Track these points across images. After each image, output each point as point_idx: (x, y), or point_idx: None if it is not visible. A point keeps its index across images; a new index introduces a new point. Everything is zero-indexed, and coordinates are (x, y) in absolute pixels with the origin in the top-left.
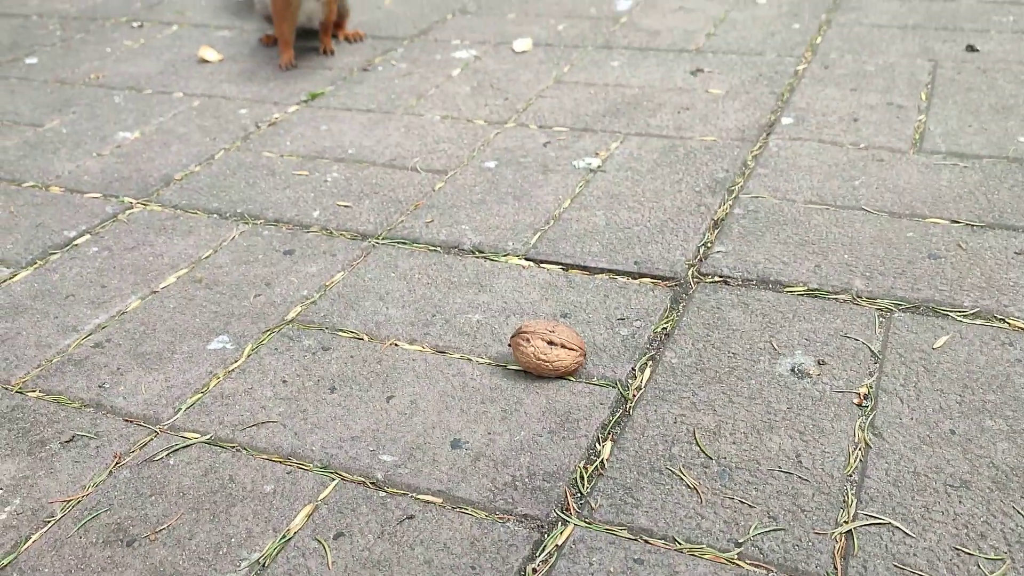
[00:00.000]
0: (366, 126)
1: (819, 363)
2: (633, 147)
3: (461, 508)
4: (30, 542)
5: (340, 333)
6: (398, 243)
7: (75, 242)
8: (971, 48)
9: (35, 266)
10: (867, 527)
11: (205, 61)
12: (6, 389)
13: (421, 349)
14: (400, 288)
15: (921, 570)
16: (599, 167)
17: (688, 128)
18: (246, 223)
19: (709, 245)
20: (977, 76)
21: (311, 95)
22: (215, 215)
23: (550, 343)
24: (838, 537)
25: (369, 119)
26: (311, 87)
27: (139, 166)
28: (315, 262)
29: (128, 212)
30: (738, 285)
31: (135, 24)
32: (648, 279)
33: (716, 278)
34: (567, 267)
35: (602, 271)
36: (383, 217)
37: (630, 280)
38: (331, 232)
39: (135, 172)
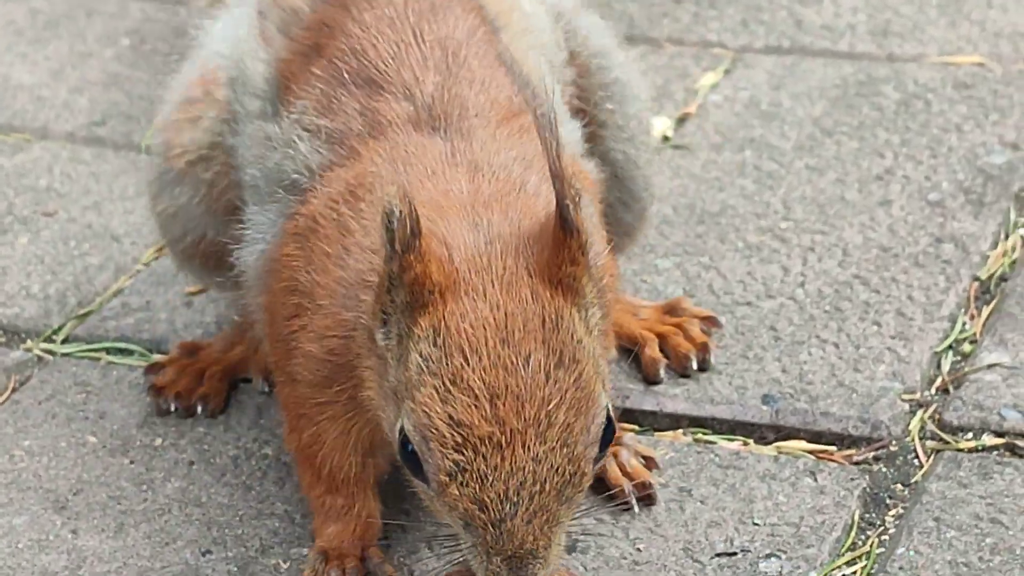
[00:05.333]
0: (25, 32)
1: None
2: (761, 85)
3: None
4: None
5: None
6: (110, 349)
7: None
8: None
9: None
10: None
11: None
12: None
13: None
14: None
15: None
16: (668, 139)
17: (908, 32)
18: None
19: (967, 349)
20: None
21: None
22: None
23: None
24: None
25: (35, 19)
26: None
27: None
28: None
29: None
30: None
31: None
32: (801, 443)
33: (989, 438)
34: None
35: (680, 422)
36: (68, 280)
37: (752, 448)
38: None
39: None
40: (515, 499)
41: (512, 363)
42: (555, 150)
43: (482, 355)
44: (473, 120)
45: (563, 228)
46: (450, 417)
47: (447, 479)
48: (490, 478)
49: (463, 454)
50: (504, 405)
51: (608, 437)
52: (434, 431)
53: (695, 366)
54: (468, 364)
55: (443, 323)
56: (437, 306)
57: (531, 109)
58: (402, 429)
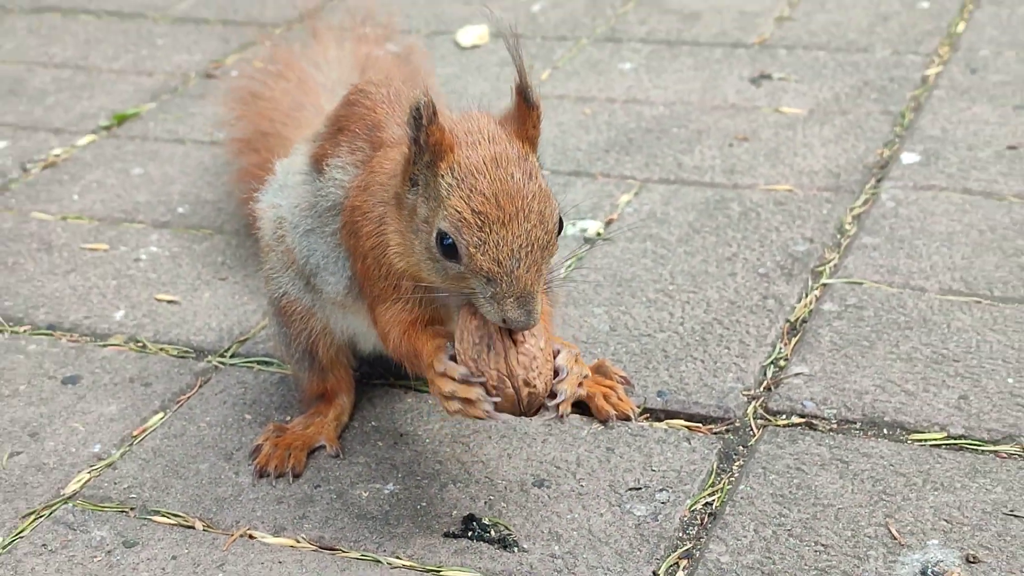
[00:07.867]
0: (209, 168)
1: (968, 560)
2: (656, 202)
3: None
4: None
5: (156, 517)
6: (259, 362)
7: None
8: None
9: None
10: None
11: None
12: None
13: (294, 544)
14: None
15: None
16: (600, 234)
17: (747, 171)
18: (0, 331)
19: (782, 364)
20: None
21: (117, 117)
22: None
23: None
24: None
25: (214, 155)
26: (118, 102)
27: None
28: (115, 397)
29: None
30: (831, 430)
31: None
32: (680, 421)
33: (795, 418)
34: None
35: None
36: (234, 319)
37: (651, 424)
38: (144, 345)
39: None
40: (518, 255)
41: (503, 177)
42: (515, 46)
43: (485, 174)
44: None
45: (527, 104)
46: (473, 210)
47: (474, 250)
48: (501, 245)
49: (483, 232)
50: (504, 200)
51: (560, 227)
52: (464, 220)
53: (634, 419)
54: (477, 179)
55: (456, 162)
56: (451, 154)
57: (506, 39)
58: (439, 233)
